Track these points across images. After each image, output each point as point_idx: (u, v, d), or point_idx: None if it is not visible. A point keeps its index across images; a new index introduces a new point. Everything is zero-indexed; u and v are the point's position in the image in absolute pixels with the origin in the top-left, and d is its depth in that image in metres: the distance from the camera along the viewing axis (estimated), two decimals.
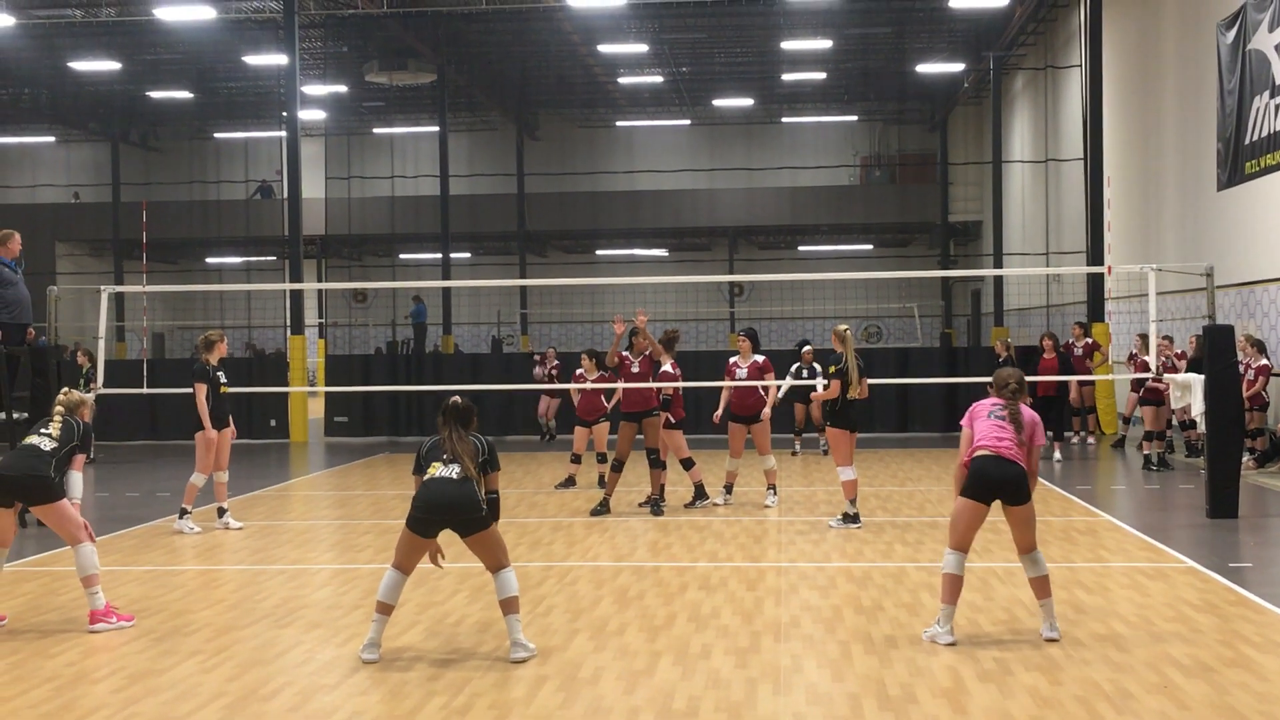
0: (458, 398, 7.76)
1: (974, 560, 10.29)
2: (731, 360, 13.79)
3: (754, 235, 44.86)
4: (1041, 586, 7.73)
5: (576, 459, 15.46)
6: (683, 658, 7.36)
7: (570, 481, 15.40)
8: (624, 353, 13.24)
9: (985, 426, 7.81)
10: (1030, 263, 32.28)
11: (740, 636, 7.85)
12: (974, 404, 8.08)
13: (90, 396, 9.53)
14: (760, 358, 13.58)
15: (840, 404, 12.02)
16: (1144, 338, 17.53)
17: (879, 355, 24.63)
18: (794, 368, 18.06)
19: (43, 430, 8.65)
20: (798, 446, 19.16)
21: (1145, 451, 16.97)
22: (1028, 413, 7.88)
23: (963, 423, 8.04)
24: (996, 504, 7.70)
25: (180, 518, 12.38)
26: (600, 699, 6.61)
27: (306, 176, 26.58)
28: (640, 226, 42.73)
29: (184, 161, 44.95)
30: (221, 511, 12.63)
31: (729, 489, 13.76)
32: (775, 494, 13.64)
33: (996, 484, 7.60)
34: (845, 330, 12.20)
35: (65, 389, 9.31)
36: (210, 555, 11.19)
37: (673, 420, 13.37)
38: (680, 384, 13.51)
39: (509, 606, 7.45)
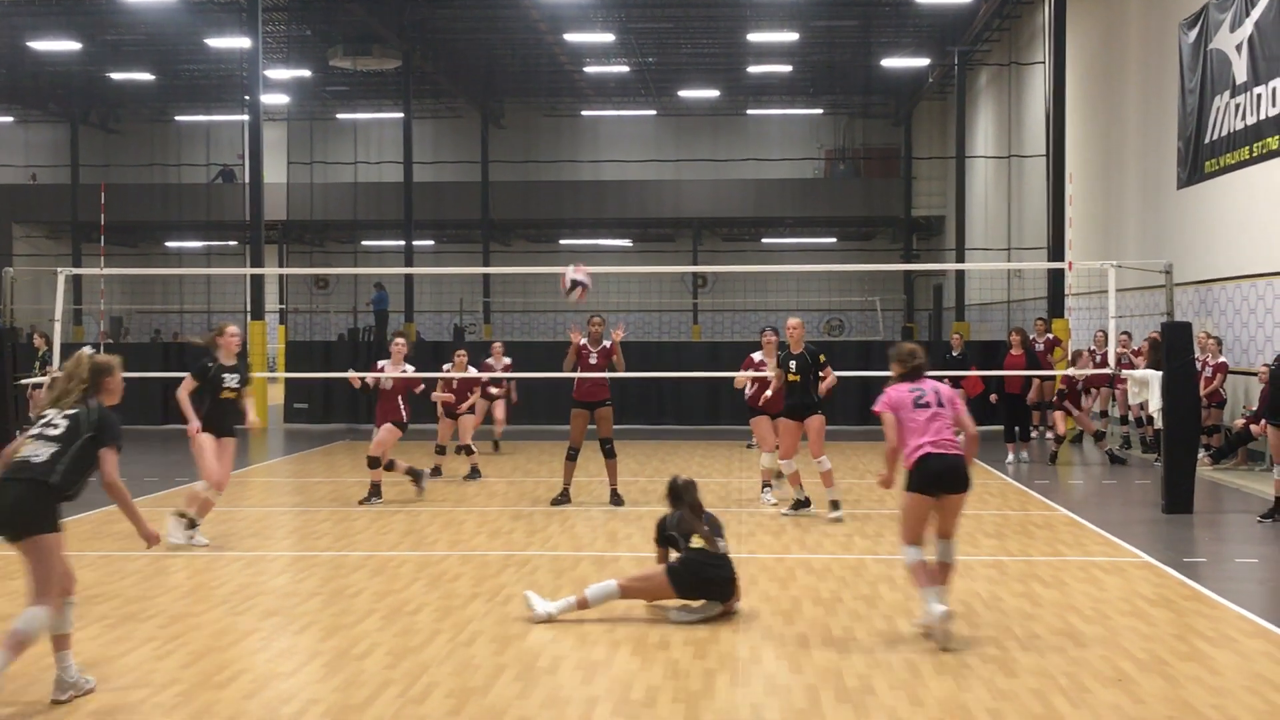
0: (684, 477, 8.65)
1: (933, 554, 10.33)
2: (756, 357, 13.68)
3: (718, 227, 44.91)
4: (946, 574, 7.75)
5: (441, 450, 15.75)
6: (641, 648, 7.36)
7: (437, 471, 15.55)
8: (583, 342, 13.22)
9: (916, 418, 7.66)
10: (992, 258, 32.47)
11: (699, 627, 7.85)
12: (888, 391, 7.86)
13: (116, 360, 6.93)
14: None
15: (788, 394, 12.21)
16: (1104, 333, 17.67)
17: (841, 348, 24.66)
18: (756, 357, 17.92)
19: (45, 431, 6.47)
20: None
21: (1053, 449, 17.27)
22: (943, 389, 7.84)
23: (881, 410, 7.80)
24: None
25: (189, 526, 10.73)
26: (558, 688, 6.59)
27: (269, 161, 26.36)
28: (605, 216, 42.68)
29: (144, 144, 44.51)
30: (193, 522, 10.89)
31: (768, 486, 13.44)
32: (771, 490, 13.39)
33: (943, 478, 7.57)
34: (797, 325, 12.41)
35: (79, 355, 6.86)
36: (165, 541, 11.08)
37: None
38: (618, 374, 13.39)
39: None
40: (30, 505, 6.24)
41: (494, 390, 17.89)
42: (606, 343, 13.18)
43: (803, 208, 42.26)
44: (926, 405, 7.68)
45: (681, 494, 8.46)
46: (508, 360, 18.02)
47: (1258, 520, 12.01)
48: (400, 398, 13.53)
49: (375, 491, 13.28)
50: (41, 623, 6.24)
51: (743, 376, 13.74)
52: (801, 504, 12.26)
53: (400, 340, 13.76)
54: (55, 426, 6.43)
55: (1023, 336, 17.83)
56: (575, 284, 12.68)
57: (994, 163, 33.57)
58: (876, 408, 7.88)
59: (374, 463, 13.25)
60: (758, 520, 12.07)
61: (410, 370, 13.71)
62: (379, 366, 13.61)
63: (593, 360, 13.09)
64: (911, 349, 7.98)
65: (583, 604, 8.03)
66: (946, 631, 7.37)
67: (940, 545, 7.75)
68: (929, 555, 7.71)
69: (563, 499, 13.08)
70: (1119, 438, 18.84)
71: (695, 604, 8.09)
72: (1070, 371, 16.78)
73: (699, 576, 8.02)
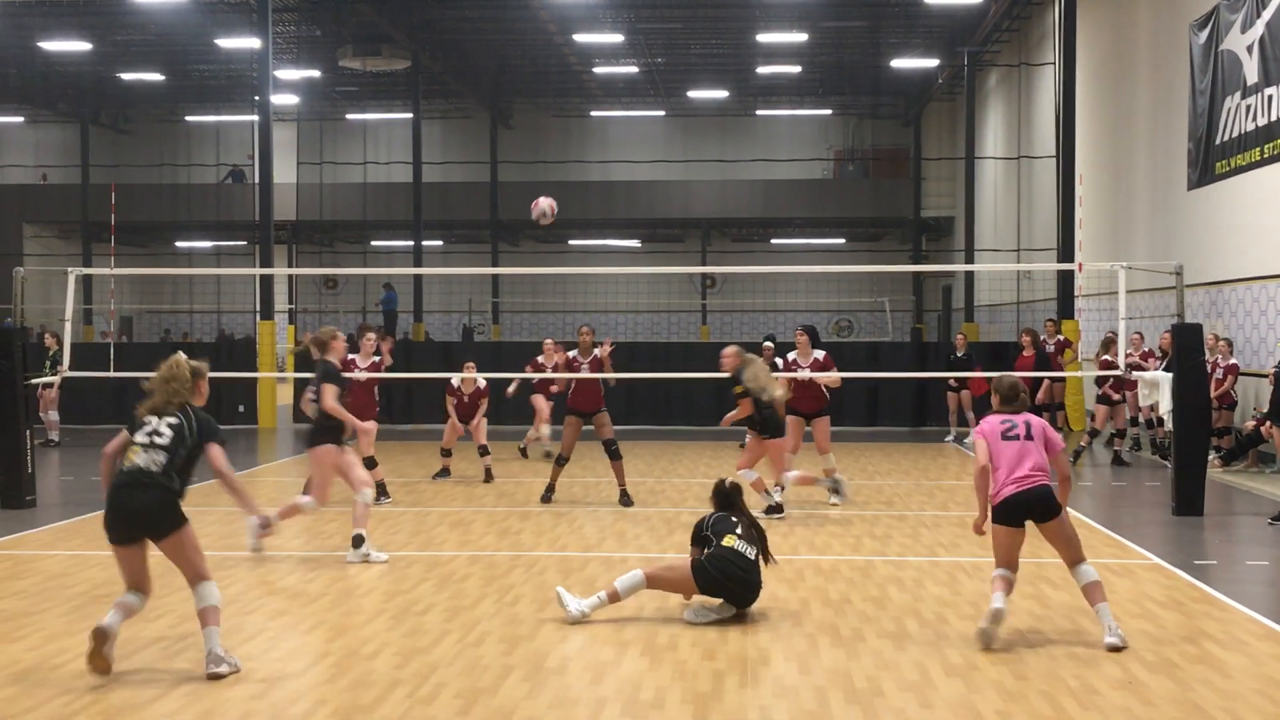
0: (734, 480, 8.71)
1: (941, 555, 10.34)
2: (790, 357, 13.39)
3: (727, 228, 44.87)
4: (1094, 592, 7.59)
5: (447, 452, 15.58)
6: (650, 649, 7.35)
7: (445, 472, 15.48)
8: (571, 354, 13.47)
9: (1006, 451, 7.61)
10: (1001, 259, 32.41)
11: (707, 629, 7.84)
12: (985, 419, 7.89)
13: (206, 365, 7.31)
14: (821, 354, 13.22)
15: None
16: (1114, 335, 17.61)
17: (849, 349, 24.67)
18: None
19: (155, 440, 6.90)
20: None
21: (1117, 448, 17.15)
22: (1036, 422, 7.77)
23: (978, 435, 7.82)
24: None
25: (357, 546, 10.08)
26: (567, 689, 6.59)
27: (278, 161, 26.39)
28: (614, 217, 42.66)
29: (154, 144, 44.59)
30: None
31: (782, 488, 13.07)
32: (838, 492, 12.87)
33: (1027, 509, 7.53)
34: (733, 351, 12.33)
35: (176, 359, 7.22)
36: None
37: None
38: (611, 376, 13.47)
39: None
40: (162, 511, 6.84)
41: (554, 390, 17.43)
42: (597, 351, 13.24)
43: (812, 208, 42.22)
44: (1015, 438, 7.62)
45: (729, 497, 8.50)
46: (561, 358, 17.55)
47: (1268, 522, 11.97)
48: (374, 392, 13.52)
49: (382, 491, 13.24)
50: (216, 593, 6.92)
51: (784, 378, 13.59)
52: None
53: (371, 335, 13.68)
54: (161, 435, 6.91)
55: (1034, 337, 17.79)
56: (543, 212, 12.97)
57: (1003, 164, 33.51)
58: (975, 432, 7.93)
59: (371, 463, 13.20)
60: (765, 522, 12.04)
61: (379, 360, 13.66)
62: (351, 361, 13.43)
63: (584, 370, 13.18)
64: (1012, 387, 7.90)
65: (614, 596, 8.03)
66: (993, 631, 7.41)
67: (1074, 572, 7.68)
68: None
69: (548, 494, 13.22)
70: (1130, 439, 18.78)
71: (713, 603, 8.06)
72: (1081, 373, 16.73)
73: (723, 574, 7.99)
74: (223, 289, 42.15)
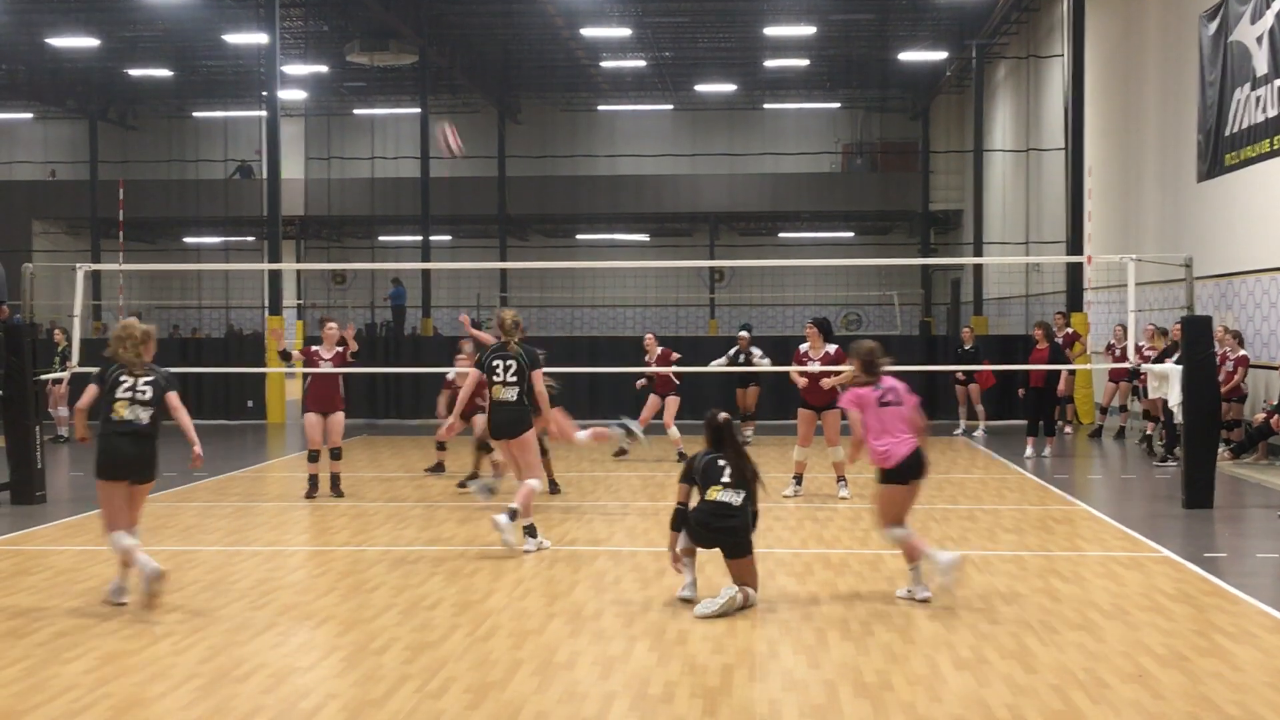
0: (725, 413, 8.43)
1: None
2: (802, 349, 13.34)
3: (735, 221, 44.83)
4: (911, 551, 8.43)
5: (441, 445, 15.36)
6: (659, 643, 7.35)
7: (440, 467, 15.30)
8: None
9: (887, 416, 8.38)
10: (1010, 252, 32.35)
11: (716, 622, 7.84)
12: (858, 389, 8.52)
13: (153, 328, 8.76)
14: (832, 348, 13.12)
15: None
16: (1124, 328, 17.59)
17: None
18: (731, 352, 17.93)
19: (138, 397, 8.36)
20: (749, 434, 18.35)
21: (1149, 431, 17.19)
22: (900, 385, 8.53)
23: (849, 405, 8.50)
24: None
25: (531, 536, 10.27)
26: (576, 683, 6.59)
27: (286, 157, 26.45)
28: (621, 211, 42.64)
29: (162, 140, 44.61)
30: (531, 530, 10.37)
31: (799, 479, 13.36)
32: (846, 484, 13.10)
33: (917, 468, 8.38)
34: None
35: (125, 324, 8.65)
36: (185, 536, 11.13)
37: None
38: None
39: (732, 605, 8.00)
40: (151, 457, 8.41)
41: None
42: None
43: (820, 202, 42.15)
44: (888, 404, 8.42)
45: (720, 431, 8.42)
46: (661, 350, 17.22)
47: (1278, 515, 11.94)
48: (340, 384, 13.54)
49: (334, 485, 13.41)
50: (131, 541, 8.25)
51: (795, 371, 13.49)
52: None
53: (332, 325, 13.67)
54: (143, 392, 8.38)
55: (1046, 330, 17.69)
56: (446, 144, 13.06)
57: (1012, 156, 33.43)
58: (841, 403, 8.71)
59: (337, 453, 13.41)
60: (775, 515, 12.04)
61: (343, 351, 13.59)
62: (314, 352, 13.51)
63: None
64: (871, 348, 8.62)
65: (690, 552, 8.29)
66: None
67: (903, 528, 8.54)
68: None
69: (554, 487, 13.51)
70: (1138, 432, 18.74)
71: (716, 601, 8.01)
72: (1091, 366, 16.69)
73: (706, 528, 8.15)
74: (231, 284, 42.19)
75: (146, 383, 8.40)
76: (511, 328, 10.43)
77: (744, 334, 18.06)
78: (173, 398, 8.52)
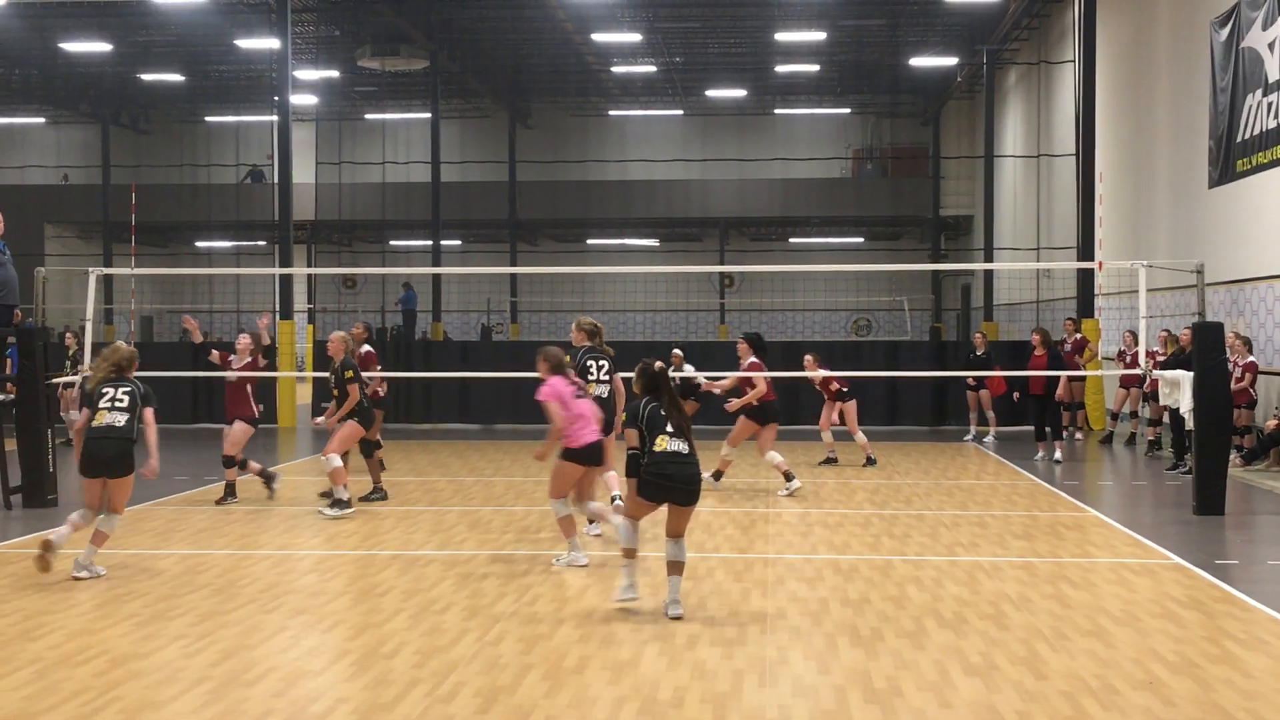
0: (660, 362, 8.50)
1: (960, 554, 10.31)
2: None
3: (745, 226, 44.83)
4: (572, 527, 9.67)
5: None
6: (669, 648, 7.35)
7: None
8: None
9: (580, 407, 9.55)
10: (1021, 258, 32.30)
11: (726, 627, 7.84)
12: (553, 381, 9.55)
13: (135, 351, 9.94)
14: (753, 359, 13.84)
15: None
16: (1134, 334, 17.56)
17: (868, 348, 24.66)
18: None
19: (116, 404, 9.44)
20: None
21: (1150, 438, 17.17)
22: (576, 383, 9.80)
23: (548, 398, 9.46)
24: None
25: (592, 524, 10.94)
26: (586, 688, 6.59)
27: (297, 161, 26.48)
28: (631, 216, 42.68)
29: (175, 144, 44.78)
30: None
31: (717, 475, 14.24)
32: (720, 477, 14.29)
33: (594, 455, 9.61)
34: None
35: (114, 346, 9.85)
36: (195, 540, 11.15)
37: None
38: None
39: (677, 569, 8.21)
40: (123, 459, 9.39)
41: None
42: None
43: (830, 207, 42.13)
44: (583, 396, 9.72)
45: (656, 379, 8.36)
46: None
47: None
48: (250, 393, 13.55)
49: (230, 491, 13.28)
50: (116, 525, 9.56)
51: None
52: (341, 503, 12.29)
53: (245, 336, 13.83)
54: (121, 401, 9.48)
55: (1044, 336, 17.66)
56: None
57: (1023, 162, 33.40)
58: (539, 396, 9.59)
59: (228, 462, 13.28)
60: (785, 520, 12.04)
61: (250, 362, 13.66)
62: (228, 359, 13.61)
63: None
64: (558, 351, 9.79)
65: (628, 553, 8.32)
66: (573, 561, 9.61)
67: (581, 505, 9.84)
68: (576, 513, 9.82)
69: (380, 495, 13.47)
70: (1143, 436, 18.70)
71: (630, 582, 8.27)
72: (1100, 372, 16.66)
73: (665, 477, 8.08)
74: (242, 288, 42.30)
75: (124, 392, 9.55)
76: (593, 331, 11.73)
77: (677, 352, 18.30)
78: (148, 413, 9.62)
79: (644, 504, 8.26)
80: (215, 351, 13.89)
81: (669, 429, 8.15)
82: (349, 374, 12.43)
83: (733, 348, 14.72)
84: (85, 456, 9.44)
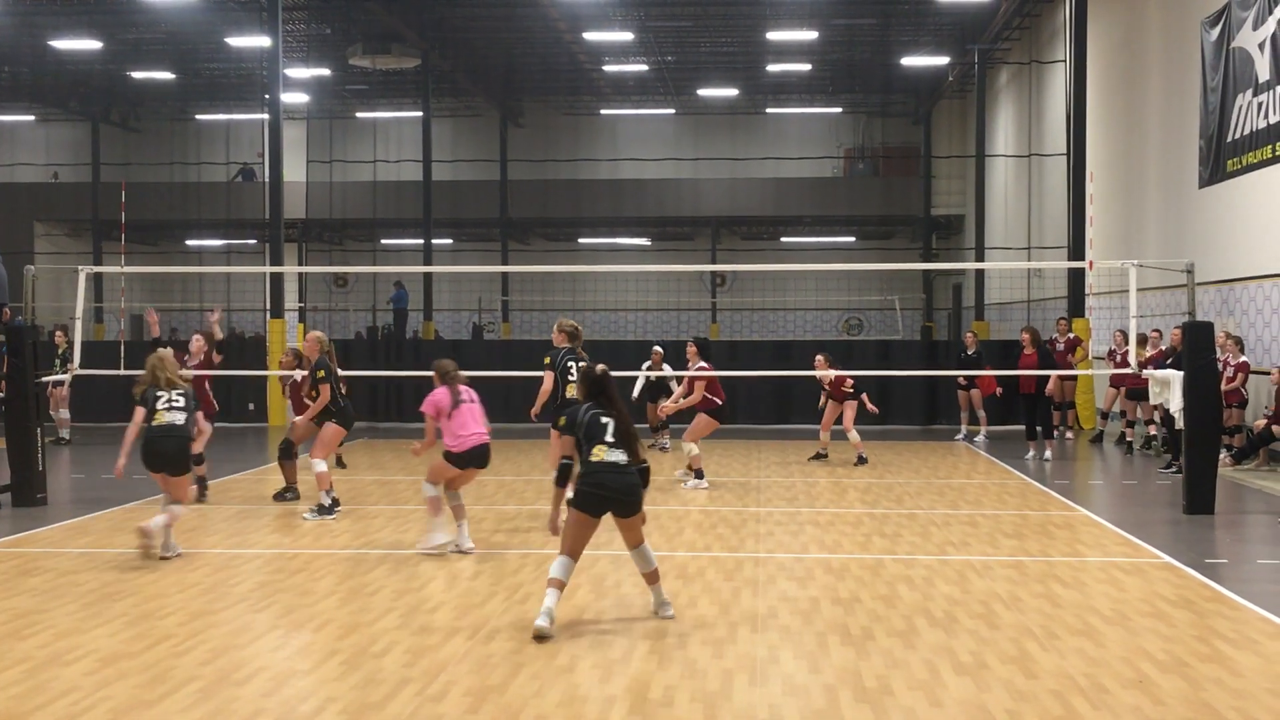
0: (603, 365, 8.28)
1: (951, 553, 10.33)
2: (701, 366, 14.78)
3: (737, 225, 44.81)
4: (462, 513, 10.51)
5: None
6: (659, 647, 7.35)
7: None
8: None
9: (462, 412, 10.18)
10: (1012, 257, 32.33)
11: (717, 627, 7.84)
12: (435, 393, 10.21)
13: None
14: (702, 364, 14.56)
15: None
16: (1124, 333, 17.59)
17: (859, 347, 24.66)
18: (645, 366, 18.08)
19: (174, 405, 10.26)
20: (665, 441, 18.56)
21: (1130, 439, 17.20)
22: (472, 393, 10.42)
23: (428, 410, 10.19)
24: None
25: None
26: (576, 687, 6.59)
27: (288, 159, 26.44)
28: (623, 215, 42.63)
29: (165, 142, 44.63)
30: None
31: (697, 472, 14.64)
32: (693, 476, 14.49)
33: (481, 455, 10.28)
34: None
35: (159, 354, 10.61)
36: (185, 539, 11.12)
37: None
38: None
39: (653, 578, 8.10)
40: (182, 455, 10.28)
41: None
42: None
43: (821, 206, 42.13)
44: (465, 401, 10.24)
45: (599, 383, 8.06)
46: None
47: (1279, 521, 11.94)
48: (208, 389, 13.83)
49: (203, 487, 13.47)
50: (176, 514, 10.19)
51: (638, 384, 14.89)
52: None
53: (199, 338, 14.18)
54: (177, 402, 10.31)
55: (1034, 335, 17.71)
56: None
57: (1014, 161, 33.42)
58: (422, 408, 10.27)
59: (198, 459, 13.21)
60: (776, 519, 12.05)
61: (202, 361, 13.95)
62: (183, 359, 13.60)
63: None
64: (447, 363, 10.42)
65: (553, 583, 7.72)
66: (432, 550, 10.18)
67: (455, 494, 10.45)
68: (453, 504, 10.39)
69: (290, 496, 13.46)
70: (1140, 436, 18.75)
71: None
72: (1091, 371, 16.69)
73: (601, 487, 7.72)
74: (233, 287, 42.20)
75: (179, 394, 10.39)
76: (574, 333, 12.07)
77: (658, 349, 18.23)
78: (199, 415, 10.94)
79: (583, 519, 7.76)
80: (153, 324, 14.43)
81: (609, 438, 7.82)
82: (320, 374, 12.42)
83: (724, 347, 14.89)
84: (148, 453, 10.11)
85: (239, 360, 23.73)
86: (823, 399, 17.14)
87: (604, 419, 7.91)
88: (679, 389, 15.18)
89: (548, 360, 12.02)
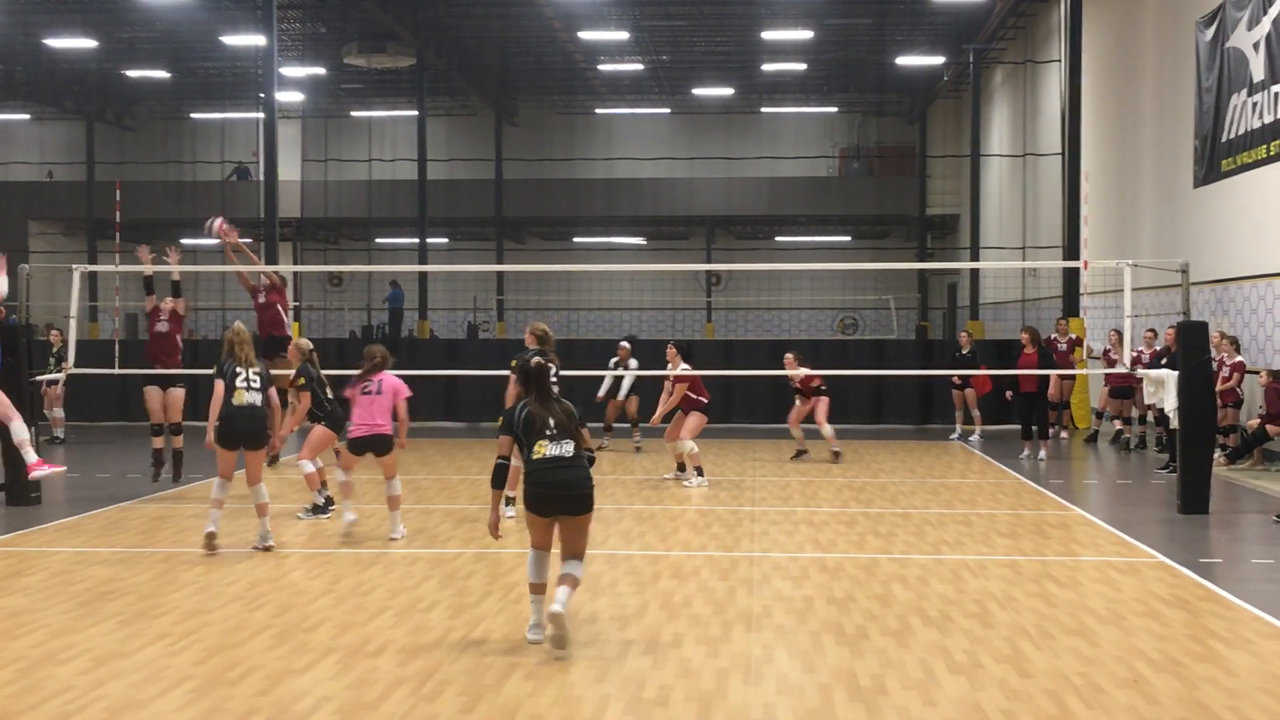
0: (539, 358, 8.06)
1: (946, 553, 10.33)
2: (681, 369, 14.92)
3: (732, 225, 44.84)
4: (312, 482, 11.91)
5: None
6: (654, 646, 7.34)
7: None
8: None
9: (364, 403, 10.86)
10: (1007, 256, 32.37)
11: (712, 626, 7.84)
12: (350, 388, 10.99)
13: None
14: (685, 366, 14.65)
15: None
16: (1119, 333, 17.60)
17: (854, 346, 24.69)
18: (613, 362, 18.03)
19: (252, 385, 10.57)
20: (638, 438, 18.46)
21: (1127, 436, 17.24)
22: (388, 381, 11.00)
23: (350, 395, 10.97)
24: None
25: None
26: (570, 687, 6.58)
27: (283, 158, 26.44)
28: (618, 214, 42.64)
29: (160, 141, 44.58)
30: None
31: (681, 468, 14.82)
32: (691, 473, 14.58)
33: (373, 444, 10.91)
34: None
35: (236, 328, 10.88)
36: (180, 537, 11.11)
37: None
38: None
39: (571, 581, 7.41)
40: (262, 433, 10.60)
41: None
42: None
43: (817, 206, 42.16)
44: (369, 393, 10.89)
45: (537, 378, 7.62)
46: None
47: (1274, 520, 11.95)
48: (178, 344, 14.79)
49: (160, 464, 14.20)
50: (265, 493, 10.65)
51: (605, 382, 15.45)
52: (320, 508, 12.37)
53: (169, 300, 15.09)
54: (254, 381, 10.59)
55: (1033, 335, 17.73)
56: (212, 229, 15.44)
57: (1009, 161, 33.46)
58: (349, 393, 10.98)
59: (175, 428, 14.40)
60: (771, 519, 12.05)
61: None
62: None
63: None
64: (373, 351, 11.16)
65: (533, 588, 7.56)
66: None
67: (345, 474, 11.18)
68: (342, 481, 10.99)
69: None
70: (1135, 436, 18.77)
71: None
72: (1088, 371, 16.70)
73: (548, 487, 7.31)
74: (227, 286, 42.14)
75: (255, 373, 10.65)
76: (544, 337, 12.17)
77: (625, 345, 18.18)
78: (272, 393, 10.85)
79: (538, 522, 7.43)
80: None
81: (549, 431, 7.42)
82: (301, 381, 12.41)
83: (719, 346, 14.92)
84: (228, 430, 10.44)
85: None
86: (798, 400, 17.17)
87: (540, 413, 7.51)
88: (663, 394, 15.13)
89: (514, 363, 11.79)
